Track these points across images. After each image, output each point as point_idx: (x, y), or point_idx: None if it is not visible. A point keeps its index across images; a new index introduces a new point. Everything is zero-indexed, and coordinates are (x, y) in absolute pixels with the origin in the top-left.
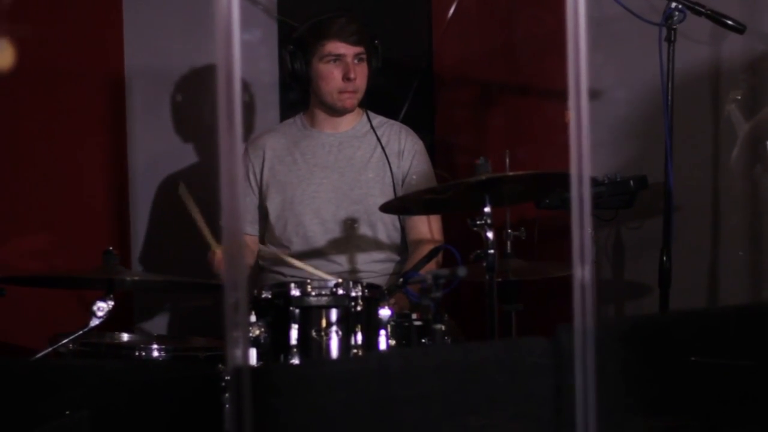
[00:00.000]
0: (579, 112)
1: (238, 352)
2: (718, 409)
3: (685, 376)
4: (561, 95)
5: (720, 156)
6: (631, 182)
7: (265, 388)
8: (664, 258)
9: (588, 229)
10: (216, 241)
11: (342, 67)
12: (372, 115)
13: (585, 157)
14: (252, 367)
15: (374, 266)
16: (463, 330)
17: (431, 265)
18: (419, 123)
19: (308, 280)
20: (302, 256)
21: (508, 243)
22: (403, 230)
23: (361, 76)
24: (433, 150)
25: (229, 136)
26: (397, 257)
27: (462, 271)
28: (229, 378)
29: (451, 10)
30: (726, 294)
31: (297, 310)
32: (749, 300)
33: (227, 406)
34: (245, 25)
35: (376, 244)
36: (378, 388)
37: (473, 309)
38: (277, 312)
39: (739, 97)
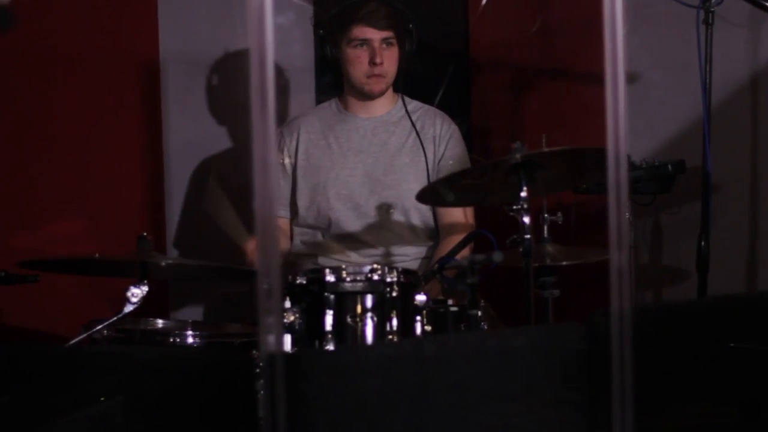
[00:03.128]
0: (616, 95)
1: (272, 339)
2: (757, 396)
3: (724, 362)
4: (598, 78)
5: (759, 139)
6: (669, 166)
7: (299, 374)
8: (702, 243)
9: (625, 214)
10: (249, 232)
11: (369, 51)
12: (407, 99)
13: (622, 141)
14: (286, 353)
15: (408, 251)
16: (500, 316)
17: (465, 251)
18: (455, 107)
19: (343, 266)
20: (335, 240)
21: (545, 228)
22: (436, 215)
23: (389, 60)
24: (469, 135)
25: (262, 120)
26: (430, 242)
27: (498, 257)
28: (263, 364)
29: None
30: (766, 278)
31: (332, 296)
32: None
33: (261, 392)
34: (279, 8)
35: (410, 230)
36: (413, 374)
37: (509, 295)
38: (311, 298)
39: None
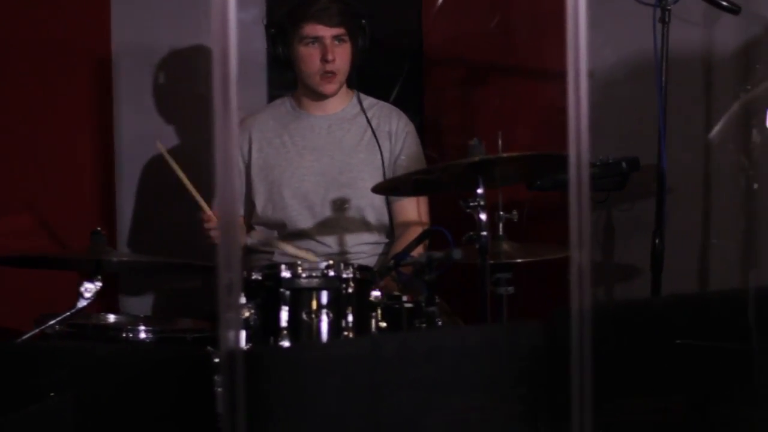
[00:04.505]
0: (578, 93)
1: (232, 334)
2: (705, 390)
3: (674, 358)
4: (554, 76)
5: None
6: (624, 164)
7: (259, 370)
8: (657, 240)
9: (586, 212)
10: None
11: (320, 48)
12: (363, 96)
13: (584, 139)
14: (246, 350)
15: (363, 248)
16: (454, 312)
17: (420, 248)
18: (408, 103)
19: (299, 262)
20: (290, 238)
21: (500, 225)
22: (390, 213)
23: (341, 57)
24: (421, 131)
25: (225, 117)
26: (385, 240)
27: (457, 254)
28: (220, 360)
29: None
30: (717, 276)
31: (287, 292)
32: (740, 281)
33: (219, 388)
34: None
35: (364, 226)
36: (372, 371)
37: (462, 291)
38: (267, 294)
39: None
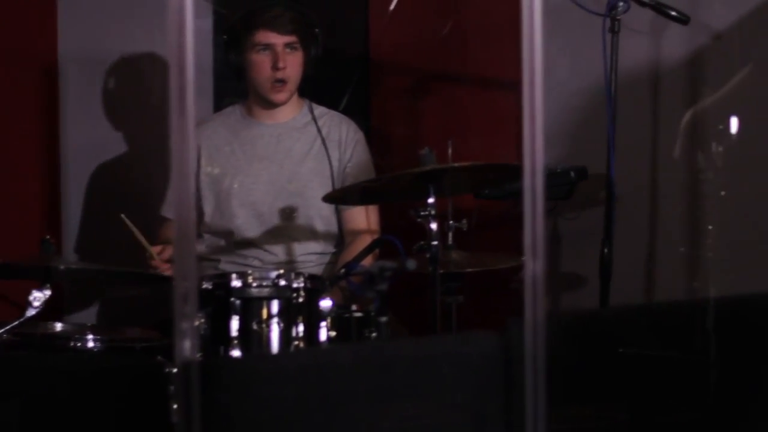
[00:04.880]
0: (533, 102)
1: (187, 344)
2: (644, 399)
3: (624, 367)
4: (501, 85)
5: (659, 147)
6: (572, 173)
7: (215, 381)
8: (605, 250)
9: (541, 222)
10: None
11: (272, 56)
12: (314, 105)
13: (538, 149)
14: (202, 360)
15: (311, 258)
16: (401, 322)
17: (369, 258)
18: (355, 111)
19: (250, 271)
20: (238, 247)
21: (450, 234)
22: (340, 221)
23: (292, 65)
24: (368, 139)
25: (181, 125)
26: (333, 249)
27: (412, 264)
28: (174, 370)
29: (392, 5)
30: (663, 284)
31: (238, 302)
32: (686, 290)
33: (173, 398)
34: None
35: (313, 235)
36: (328, 382)
37: (410, 301)
38: (217, 303)
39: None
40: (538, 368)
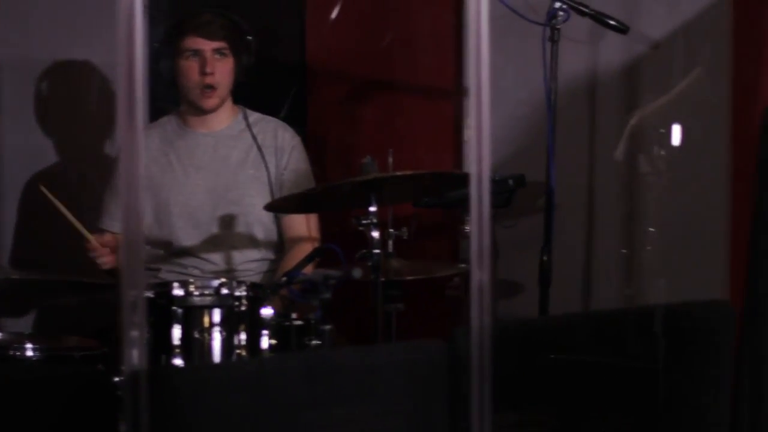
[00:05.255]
0: (480, 111)
1: (135, 353)
2: (575, 405)
3: (549, 374)
4: (439, 93)
5: (597, 155)
6: (510, 181)
7: (164, 390)
8: (545, 257)
9: (487, 230)
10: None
11: (200, 61)
12: (249, 112)
13: (485, 158)
14: (151, 369)
15: (250, 265)
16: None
17: (310, 266)
18: (293, 119)
19: (191, 280)
20: (176, 256)
21: (390, 242)
22: (280, 228)
23: (221, 71)
24: (306, 147)
25: (129, 133)
26: (272, 256)
27: (357, 273)
28: (124, 379)
29: (334, 13)
30: (602, 291)
31: (180, 310)
32: (625, 297)
33: (120, 408)
34: (111, 17)
35: (252, 243)
36: (276, 390)
37: (348, 309)
38: (159, 311)
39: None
40: (485, 376)
